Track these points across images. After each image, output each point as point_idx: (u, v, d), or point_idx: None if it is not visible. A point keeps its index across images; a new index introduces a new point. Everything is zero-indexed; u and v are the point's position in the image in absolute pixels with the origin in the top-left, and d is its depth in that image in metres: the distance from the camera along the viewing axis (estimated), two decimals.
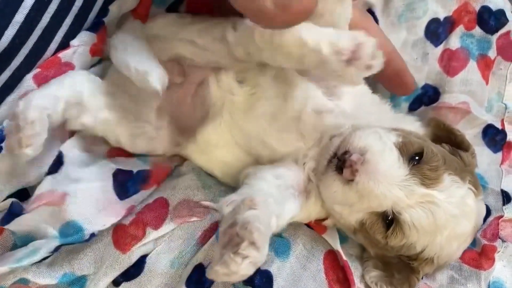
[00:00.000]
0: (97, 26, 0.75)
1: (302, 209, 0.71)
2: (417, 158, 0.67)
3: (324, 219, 0.75)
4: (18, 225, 0.67)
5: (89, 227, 0.67)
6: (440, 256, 0.69)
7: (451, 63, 0.86)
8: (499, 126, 0.85)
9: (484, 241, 0.77)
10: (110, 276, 0.68)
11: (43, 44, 0.71)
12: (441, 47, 0.87)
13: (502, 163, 0.85)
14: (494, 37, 0.86)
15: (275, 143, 0.73)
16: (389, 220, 0.66)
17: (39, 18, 0.68)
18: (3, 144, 0.68)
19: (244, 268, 0.54)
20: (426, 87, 0.88)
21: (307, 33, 0.60)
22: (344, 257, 0.71)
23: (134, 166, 0.76)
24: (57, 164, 0.72)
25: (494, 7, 0.86)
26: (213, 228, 0.72)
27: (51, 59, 0.72)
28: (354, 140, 0.66)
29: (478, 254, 0.75)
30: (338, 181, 0.66)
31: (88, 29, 0.75)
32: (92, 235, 0.68)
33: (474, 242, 0.76)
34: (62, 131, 0.74)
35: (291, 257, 0.71)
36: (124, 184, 0.72)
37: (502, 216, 0.79)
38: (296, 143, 0.73)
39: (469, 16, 0.87)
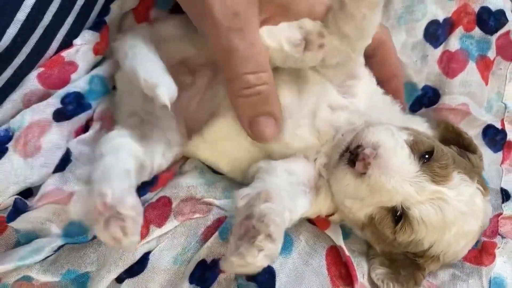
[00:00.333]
0: (99, 25, 0.76)
1: (312, 205, 0.71)
2: (427, 156, 0.68)
3: (330, 215, 0.75)
4: (22, 222, 0.67)
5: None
6: (446, 254, 0.70)
7: (450, 65, 0.87)
8: (499, 126, 0.86)
9: (484, 238, 0.77)
10: (113, 273, 0.68)
11: (45, 43, 0.71)
12: (440, 49, 0.88)
13: (502, 162, 0.85)
14: (494, 38, 0.86)
15: (290, 138, 0.73)
16: (398, 216, 0.67)
17: (41, 16, 0.68)
18: (8, 145, 0.68)
19: (260, 260, 0.55)
20: (426, 88, 0.88)
21: (268, 37, 0.66)
22: (347, 253, 0.71)
23: None
24: (65, 161, 0.71)
25: (493, 7, 0.86)
26: (216, 225, 0.72)
27: (54, 58, 0.72)
28: (367, 135, 0.68)
29: (479, 251, 0.75)
30: (350, 174, 0.67)
31: (91, 28, 0.75)
32: (95, 236, 0.68)
33: (475, 242, 0.75)
34: (68, 131, 0.74)
35: (293, 253, 0.71)
36: None
37: (501, 214, 0.80)
38: (310, 139, 0.73)
39: (469, 17, 0.87)
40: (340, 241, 0.72)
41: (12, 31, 0.65)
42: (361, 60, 0.75)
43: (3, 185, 0.67)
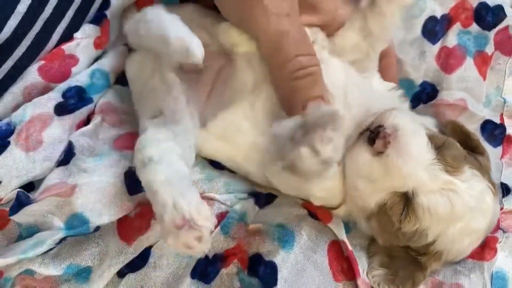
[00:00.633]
0: (99, 19, 0.75)
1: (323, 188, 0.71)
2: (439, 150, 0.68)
3: (335, 208, 0.74)
4: (24, 215, 0.67)
5: (96, 220, 0.66)
6: (449, 251, 0.70)
7: (448, 61, 0.88)
8: (497, 120, 0.86)
9: None
10: (114, 268, 0.68)
11: (45, 36, 0.71)
12: (438, 45, 0.88)
13: (502, 156, 0.86)
14: (492, 33, 0.87)
15: None
16: (408, 204, 0.67)
17: (41, 9, 0.68)
18: (10, 139, 0.68)
19: (328, 151, 0.57)
20: (424, 84, 0.89)
21: None
22: (350, 247, 0.71)
23: None
24: (68, 154, 0.71)
25: (491, 2, 0.87)
26: (217, 220, 0.71)
27: (54, 51, 0.72)
28: (390, 118, 0.68)
29: (481, 246, 0.75)
30: (367, 152, 0.68)
31: (91, 22, 0.75)
32: (97, 227, 0.68)
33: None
34: (70, 125, 0.74)
35: (295, 248, 0.71)
36: (138, 181, 0.67)
37: (502, 208, 0.79)
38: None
39: (466, 13, 0.88)
40: (342, 235, 0.72)
41: (12, 23, 0.65)
42: (376, 61, 0.77)
43: (5, 179, 0.67)
